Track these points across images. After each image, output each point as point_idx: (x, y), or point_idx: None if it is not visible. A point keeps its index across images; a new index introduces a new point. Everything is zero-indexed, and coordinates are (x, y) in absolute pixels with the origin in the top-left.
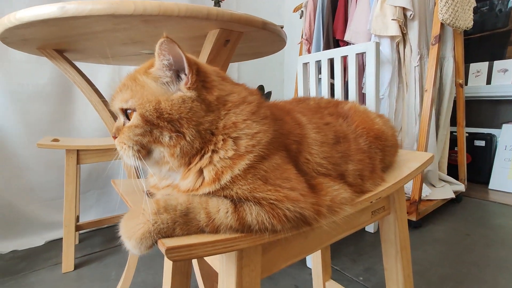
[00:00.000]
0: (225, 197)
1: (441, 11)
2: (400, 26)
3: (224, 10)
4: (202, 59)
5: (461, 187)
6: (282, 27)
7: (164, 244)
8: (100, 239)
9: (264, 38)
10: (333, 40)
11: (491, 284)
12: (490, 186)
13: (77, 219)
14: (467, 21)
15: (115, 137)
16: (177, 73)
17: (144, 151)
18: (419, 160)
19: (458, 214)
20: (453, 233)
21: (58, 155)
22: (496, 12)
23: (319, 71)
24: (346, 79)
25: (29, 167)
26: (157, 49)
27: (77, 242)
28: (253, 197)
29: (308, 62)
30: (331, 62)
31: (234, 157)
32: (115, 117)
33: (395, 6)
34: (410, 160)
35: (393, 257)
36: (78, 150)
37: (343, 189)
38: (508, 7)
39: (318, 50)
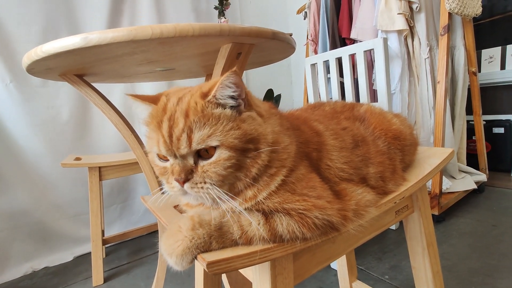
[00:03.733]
0: (257, 210)
1: (448, 0)
2: (406, 19)
3: (235, 25)
4: (216, 73)
5: (482, 177)
6: (291, 35)
7: (205, 259)
8: (126, 252)
9: (274, 47)
10: (339, 38)
11: None
12: None
13: (103, 233)
14: (475, 7)
15: (183, 182)
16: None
17: (225, 183)
18: (440, 156)
19: (482, 205)
20: (479, 224)
21: (81, 173)
22: None
23: (327, 70)
24: (355, 77)
25: (55, 185)
26: (224, 80)
27: (104, 255)
28: (282, 208)
29: (316, 63)
30: (339, 61)
31: (273, 173)
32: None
33: (400, 0)
34: (430, 156)
35: (420, 254)
36: (100, 167)
37: (367, 192)
38: None
39: (324, 50)
